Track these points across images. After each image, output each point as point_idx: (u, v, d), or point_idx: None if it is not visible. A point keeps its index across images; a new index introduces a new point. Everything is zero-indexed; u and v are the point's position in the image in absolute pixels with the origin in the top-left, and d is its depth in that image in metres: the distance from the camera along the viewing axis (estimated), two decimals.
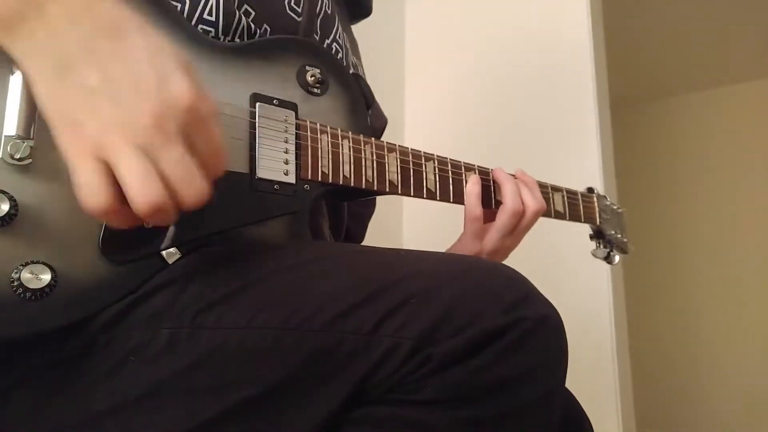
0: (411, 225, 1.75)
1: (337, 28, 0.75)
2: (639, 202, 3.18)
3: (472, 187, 0.71)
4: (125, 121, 0.37)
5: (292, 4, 0.67)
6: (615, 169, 1.56)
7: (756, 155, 3.17)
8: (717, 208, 3.23)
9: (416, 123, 1.82)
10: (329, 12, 0.73)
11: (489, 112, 1.69)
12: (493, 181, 0.74)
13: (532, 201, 0.73)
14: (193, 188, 0.38)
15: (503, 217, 0.71)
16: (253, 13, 0.62)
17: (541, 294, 0.48)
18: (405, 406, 0.43)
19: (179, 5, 0.57)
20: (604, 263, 1.43)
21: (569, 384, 0.63)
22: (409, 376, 0.43)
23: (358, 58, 0.82)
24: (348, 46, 0.77)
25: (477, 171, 0.74)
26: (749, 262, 3.08)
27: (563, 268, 1.44)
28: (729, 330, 3.07)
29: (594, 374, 1.38)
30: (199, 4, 0.58)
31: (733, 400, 2.97)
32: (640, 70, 3.16)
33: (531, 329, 0.44)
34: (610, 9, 1.77)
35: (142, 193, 0.37)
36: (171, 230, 0.50)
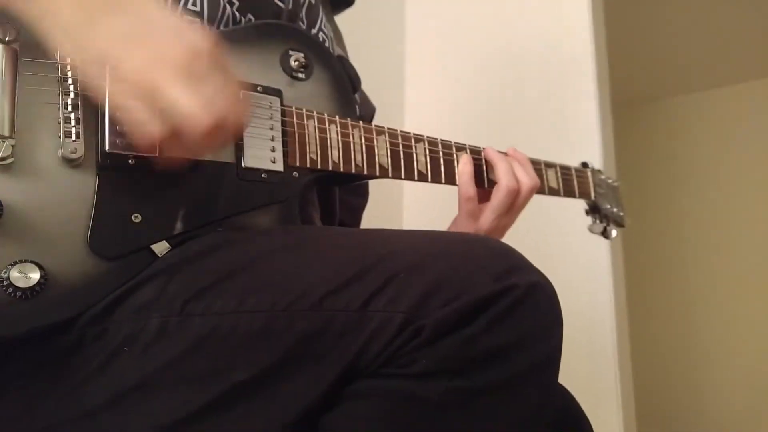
0: (411, 216, 1.74)
1: (321, 18, 0.74)
2: (639, 202, 3.17)
3: (464, 166, 0.71)
4: (163, 57, 0.41)
5: None
6: (616, 169, 1.55)
7: (756, 155, 3.15)
8: (717, 208, 3.21)
9: (416, 120, 1.81)
10: (313, 2, 0.73)
11: (489, 112, 1.68)
12: (486, 160, 0.74)
13: (527, 178, 0.73)
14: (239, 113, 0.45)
15: (499, 195, 0.71)
16: (237, 2, 0.61)
17: (531, 263, 0.48)
18: (398, 380, 0.43)
19: None
20: (603, 265, 1.43)
21: (568, 384, 0.63)
22: (401, 350, 0.43)
23: (343, 48, 0.82)
24: (332, 36, 0.77)
25: (468, 150, 0.73)
26: (749, 261, 3.07)
27: (561, 273, 1.43)
28: (730, 329, 3.06)
29: (594, 374, 1.37)
30: None
31: (735, 399, 2.97)
32: (640, 70, 3.13)
33: (522, 296, 0.44)
34: (611, 9, 1.75)
35: (204, 113, 0.41)
36: (160, 224, 0.49)
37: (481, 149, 0.75)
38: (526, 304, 0.44)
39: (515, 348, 0.44)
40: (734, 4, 2.58)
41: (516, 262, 0.47)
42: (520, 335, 0.44)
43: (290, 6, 0.67)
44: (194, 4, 0.58)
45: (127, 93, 0.42)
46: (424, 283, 0.43)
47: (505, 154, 0.76)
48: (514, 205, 0.72)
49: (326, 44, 0.73)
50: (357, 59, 0.78)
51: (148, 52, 0.42)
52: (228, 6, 0.61)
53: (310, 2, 0.72)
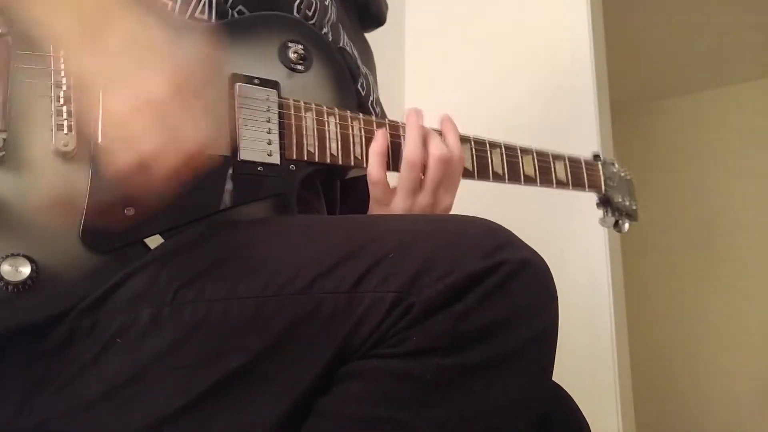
0: None
1: (342, 37, 0.71)
2: (639, 202, 3.12)
3: (377, 145, 0.61)
4: (144, 99, 0.42)
5: (301, 6, 0.64)
6: None
7: (756, 155, 3.10)
8: (716, 208, 3.17)
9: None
10: (334, 20, 0.71)
11: (489, 112, 1.66)
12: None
13: (436, 149, 0.61)
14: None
15: (402, 172, 0.61)
16: (246, 11, 0.61)
17: (522, 241, 0.47)
18: (390, 359, 0.42)
19: (169, 2, 0.56)
20: (602, 265, 1.41)
21: (567, 384, 0.62)
22: (392, 329, 0.42)
23: (369, 67, 0.77)
24: (356, 54, 0.73)
25: (387, 126, 0.63)
26: (748, 261, 3.02)
27: (560, 273, 1.41)
28: (729, 329, 3.02)
29: (593, 375, 1.36)
30: (191, 2, 0.57)
31: (734, 399, 2.93)
32: (640, 70, 3.10)
33: (513, 272, 0.43)
34: (610, 9, 1.73)
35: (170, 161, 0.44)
36: (153, 218, 0.49)
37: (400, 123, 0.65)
38: (518, 280, 0.43)
39: (508, 324, 0.43)
40: (733, 4, 2.53)
41: (507, 239, 0.46)
42: (512, 311, 0.43)
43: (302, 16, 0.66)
44: (202, 12, 0.58)
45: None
46: (415, 262, 0.43)
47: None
48: (424, 182, 0.61)
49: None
50: None
51: (130, 91, 0.43)
52: (236, 15, 0.60)
53: (330, 18, 0.69)
